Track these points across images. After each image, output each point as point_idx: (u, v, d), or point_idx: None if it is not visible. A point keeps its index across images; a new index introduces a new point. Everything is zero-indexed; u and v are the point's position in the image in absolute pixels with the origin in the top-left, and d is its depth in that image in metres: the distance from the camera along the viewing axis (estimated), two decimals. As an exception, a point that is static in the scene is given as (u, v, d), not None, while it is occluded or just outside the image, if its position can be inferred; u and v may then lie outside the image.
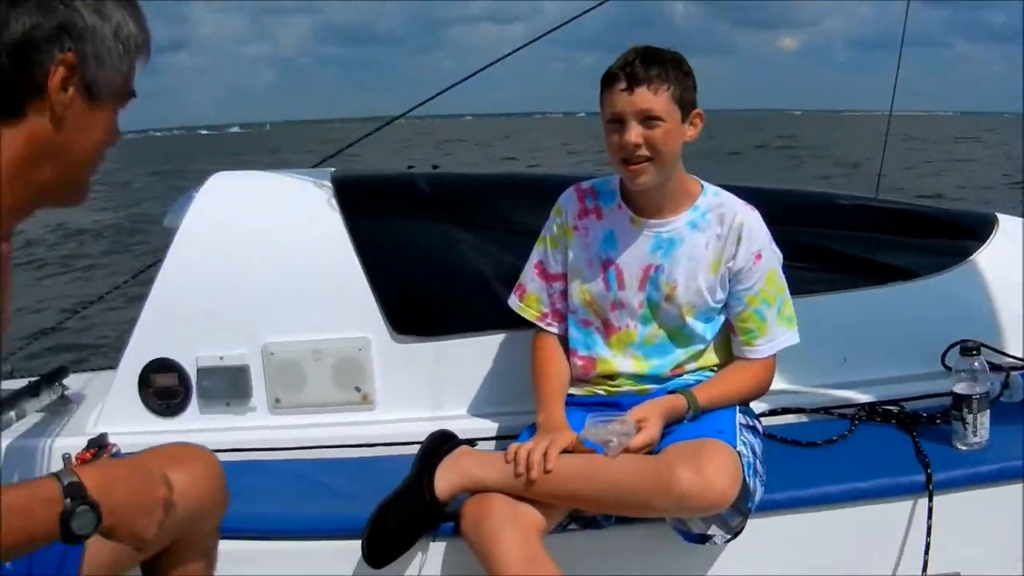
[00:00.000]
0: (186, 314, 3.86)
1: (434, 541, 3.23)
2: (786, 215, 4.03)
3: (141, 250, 17.99)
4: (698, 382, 3.41)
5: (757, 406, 3.60)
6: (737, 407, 3.35)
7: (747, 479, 3.03)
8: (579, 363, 3.53)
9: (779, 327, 3.45)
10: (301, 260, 3.98)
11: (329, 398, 3.92)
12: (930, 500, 3.27)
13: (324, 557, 3.24)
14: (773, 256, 3.43)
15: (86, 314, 6.60)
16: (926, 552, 3.25)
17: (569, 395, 3.50)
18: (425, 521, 3.16)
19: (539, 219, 3.63)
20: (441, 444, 3.27)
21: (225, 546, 2.73)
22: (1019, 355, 4.01)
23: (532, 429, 3.35)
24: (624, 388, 3.46)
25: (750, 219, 3.38)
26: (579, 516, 3.19)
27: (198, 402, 3.88)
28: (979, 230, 4.34)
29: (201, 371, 3.85)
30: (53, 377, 4.21)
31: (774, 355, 3.47)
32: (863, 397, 3.92)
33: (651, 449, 3.11)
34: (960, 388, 3.44)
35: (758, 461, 3.20)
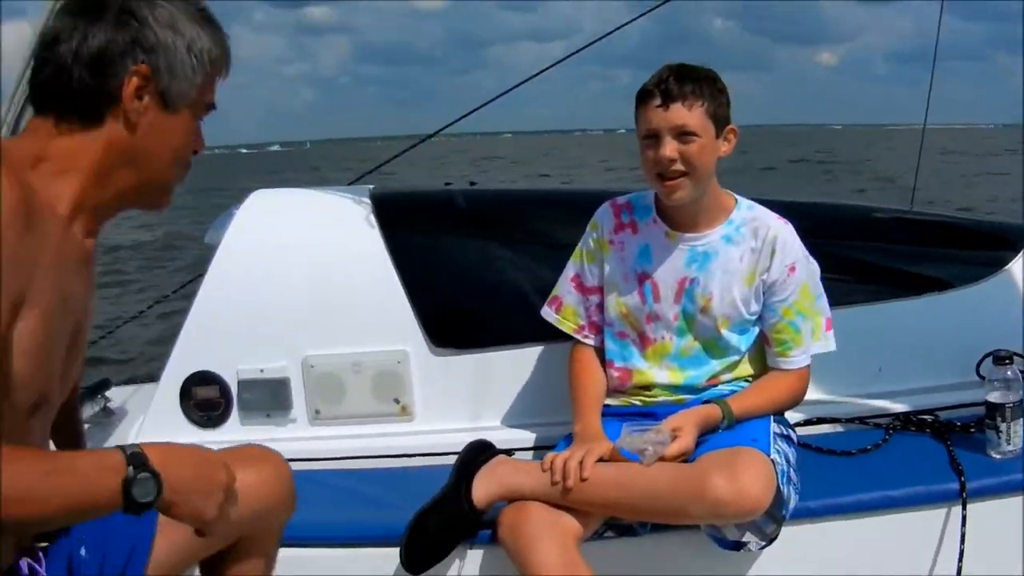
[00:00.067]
0: (227, 328, 3.92)
1: (472, 548, 3.26)
2: (821, 228, 4.04)
3: (173, 267, 18.09)
4: (733, 392, 3.44)
5: (793, 416, 3.63)
6: (771, 416, 3.38)
7: (781, 487, 3.06)
8: (615, 374, 3.56)
9: (813, 340, 3.49)
10: (341, 275, 4.03)
11: (368, 410, 3.96)
12: (964, 508, 3.28)
13: (364, 564, 3.28)
14: (807, 268, 3.46)
15: (114, 329, 6.68)
16: (960, 560, 3.25)
17: (605, 406, 3.53)
18: (463, 529, 3.20)
19: (575, 234, 3.67)
20: (479, 453, 3.31)
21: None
22: None
23: (569, 439, 3.38)
24: (660, 399, 3.49)
25: (784, 232, 3.41)
26: (615, 524, 3.23)
27: (239, 414, 3.93)
28: (1013, 241, 4.33)
29: (242, 383, 3.90)
30: (96, 390, 4.29)
31: (808, 365, 3.49)
32: (898, 407, 3.93)
33: (686, 458, 3.14)
34: (994, 397, 3.45)
35: (792, 469, 3.22)
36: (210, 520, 1.97)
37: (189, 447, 2.04)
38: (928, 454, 3.56)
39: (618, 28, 5.35)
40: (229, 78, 2.17)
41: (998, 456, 3.47)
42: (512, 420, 4.00)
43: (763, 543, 3.09)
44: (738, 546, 3.08)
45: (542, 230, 4.35)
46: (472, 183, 5.49)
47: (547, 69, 5.47)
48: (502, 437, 3.72)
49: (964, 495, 3.29)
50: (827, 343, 3.54)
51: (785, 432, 3.37)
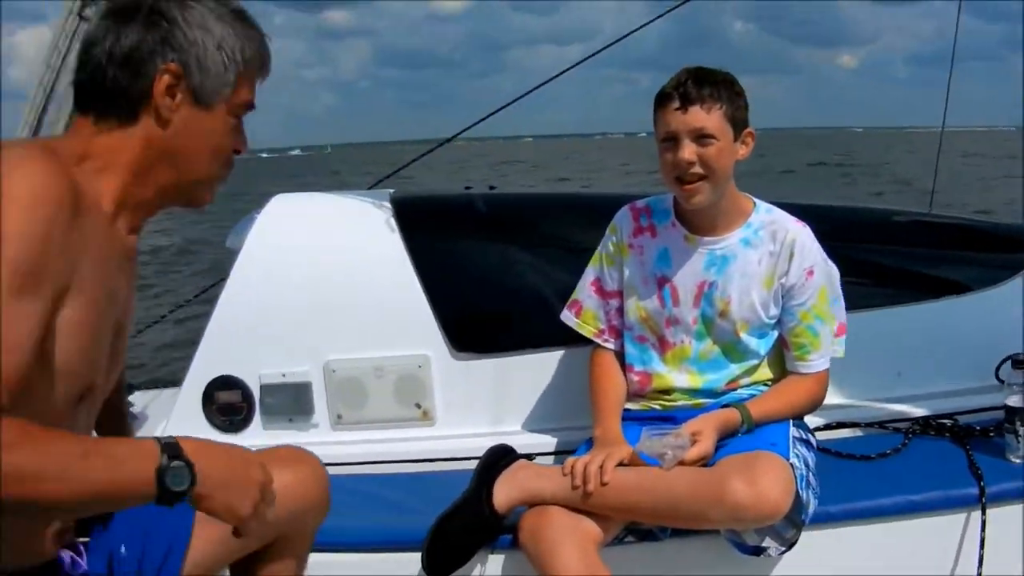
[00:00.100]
0: (249, 332, 3.94)
1: (493, 553, 3.28)
2: (839, 231, 4.05)
3: (190, 271, 18.12)
4: (752, 396, 3.44)
5: (813, 420, 3.63)
6: (791, 421, 3.38)
7: (800, 491, 3.06)
8: (635, 378, 3.57)
9: (832, 343, 3.49)
10: (362, 279, 4.05)
11: (390, 414, 3.98)
12: (983, 513, 3.28)
13: (385, 568, 3.30)
14: (825, 272, 3.46)
15: (136, 333, 6.72)
16: (979, 565, 3.25)
17: (625, 410, 3.54)
18: (484, 533, 3.22)
19: (595, 238, 3.68)
20: (500, 458, 3.33)
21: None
22: None
23: (589, 443, 3.40)
24: (679, 403, 3.51)
25: (802, 235, 3.42)
26: (636, 528, 3.24)
27: (261, 418, 3.95)
28: None
29: (264, 388, 3.92)
30: None
31: (827, 370, 3.50)
32: (917, 411, 3.93)
33: (705, 462, 3.15)
34: (1013, 401, 3.45)
35: (811, 474, 3.23)
36: (245, 517, 1.98)
37: (225, 444, 2.07)
38: (947, 458, 3.57)
39: (633, 31, 5.37)
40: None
41: (1017, 460, 3.48)
42: (533, 424, 4.02)
43: (783, 548, 3.10)
44: (758, 551, 3.09)
45: (562, 234, 4.37)
46: (492, 187, 5.51)
47: (564, 72, 5.50)
48: (523, 441, 3.75)
49: (983, 500, 3.30)
50: (836, 349, 3.54)
51: (804, 436, 3.38)
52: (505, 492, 3.21)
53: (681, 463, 3.10)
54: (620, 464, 3.14)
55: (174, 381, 4.30)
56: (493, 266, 4.24)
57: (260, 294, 3.97)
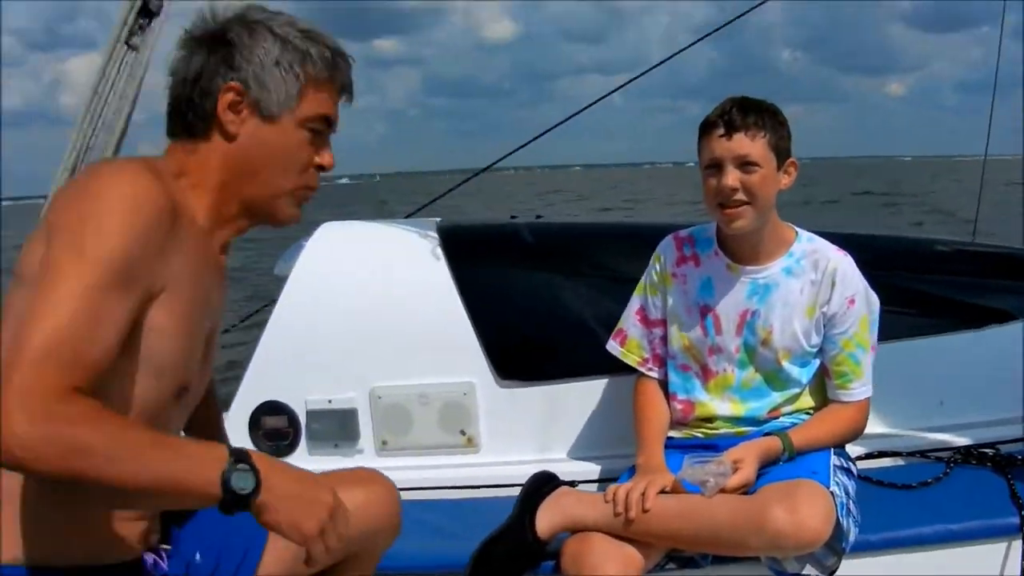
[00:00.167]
0: (296, 358, 3.98)
1: (535, 579, 3.28)
2: (882, 260, 4.05)
3: (234, 297, 18.24)
4: (793, 425, 3.45)
5: (854, 449, 3.63)
6: (832, 449, 3.39)
7: (841, 519, 3.07)
8: (678, 407, 3.59)
9: (872, 371, 3.49)
10: (408, 307, 4.08)
11: (435, 441, 4.01)
12: None
13: None
14: (867, 301, 3.47)
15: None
16: None
17: (669, 438, 3.56)
18: (527, 559, 3.23)
19: (638, 267, 3.70)
20: (543, 484, 3.35)
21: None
22: None
23: (632, 471, 3.41)
24: (721, 431, 3.52)
25: (843, 264, 3.43)
26: (677, 555, 3.25)
27: (307, 444, 3.98)
28: None
29: (310, 414, 3.96)
30: None
31: (868, 398, 3.50)
32: (959, 440, 3.92)
33: (747, 489, 3.16)
34: (1055, 431, 3.45)
35: (852, 502, 3.22)
36: (309, 535, 2.00)
37: (296, 466, 2.10)
38: (989, 488, 3.56)
39: (666, 60, 5.42)
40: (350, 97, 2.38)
41: (1059, 490, 3.46)
42: (577, 452, 4.03)
43: None
44: (798, 579, 3.09)
45: (607, 263, 4.39)
46: (538, 216, 5.54)
47: (598, 101, 5.55)
48: (566, 469, 3.76)
49: None
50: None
51: (845, 465, 3.38)
52: (548, 518, 3.23)
53: (723, 491, 3.12)
54: (662, 492, 3.16)
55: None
56: (538, 294, 4.27)
57: (307, 321, 4.01)
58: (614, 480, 3.43)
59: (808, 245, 3.47)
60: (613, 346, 3.72)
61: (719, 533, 3.06)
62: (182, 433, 2.49)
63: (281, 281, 4.10)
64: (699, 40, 5.48)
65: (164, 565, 2.36)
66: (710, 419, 3.54)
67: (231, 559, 2.49)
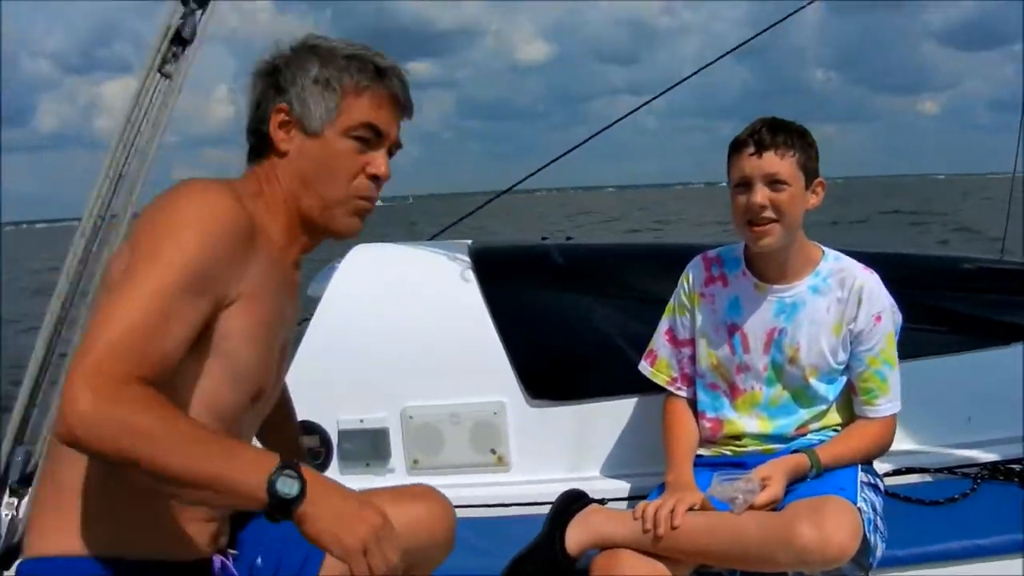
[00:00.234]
0: (328, 379, 4.01)
1: (565, 595, 3.30)
2: (910, 279, 4.07)
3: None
4: (821, 442, 3.47)
5: (882, 466, 3.64)
6: (859, 466, 3.40)
7: (868, 535, 3.08)
8: (707, 425, 3.62)
9: (898, 388, 3.50)
10: (439, 328, 4.12)
11: (466, 460, 4.04)
12: None
13: None
14: (893, 318, 3.49)
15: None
16: None
17: (697, 456, 3.58)
18: (556, 576, 3.27)
19: (667, 287, 3.73)
20: (572, 502, 3.37)
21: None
22: None
23: (662, 488, 3.43)
24: (750, 448, 3.54)
25: (870, 282, 3.45)
26: (705, 572, 3.27)
27: (339, 463, 4.01)
28: None
29: (342, 433, 3.99)
30: None
31: (895, 414, 3.51)
32: (986, 456, 3.92)
33: (775, 506, 3.18)
34: (1083, 447, 3.46)
35: (879, 518, 3.23)
36: (350, 549, 2.03)
37: (345, 486, 2.15)
38: (1016, 504, 3.56)
39: (682, 80, 5.45)
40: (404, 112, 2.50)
41: (1086, 506, 3.47)
42: (606, 470, 4.06)
43: None
44: (825, 594, 3.11)
45: (636, 284, 4.43)
46: (568, 238, 5.58)
47: (618, 121, 5.57)
48: (597, 487, 3.79)
49: None
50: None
51: (872, 481, 3.39)
52: (577, 535, 3.26)
53: (751, 507, 3.14)
54: (691, 509, 3.18)
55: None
56: (567, 315, 4.31)
57: (340, 341, 4.05)
58: (643, 498, 3.44)
59: (835, 264, 3.50)
60: (644, 366, 3.76)
61: (747, 549, 3.08)
62: (257, 443, 2.67)
63: (314, 302, 4.13)
64: (723, 56, 5.51)
65: (231, 568, 2.43)
66: (738, 437, 3.56)
67: (290, 566, 2.55)
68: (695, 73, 5.53)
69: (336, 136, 2.39)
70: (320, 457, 3.98)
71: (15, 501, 2.62)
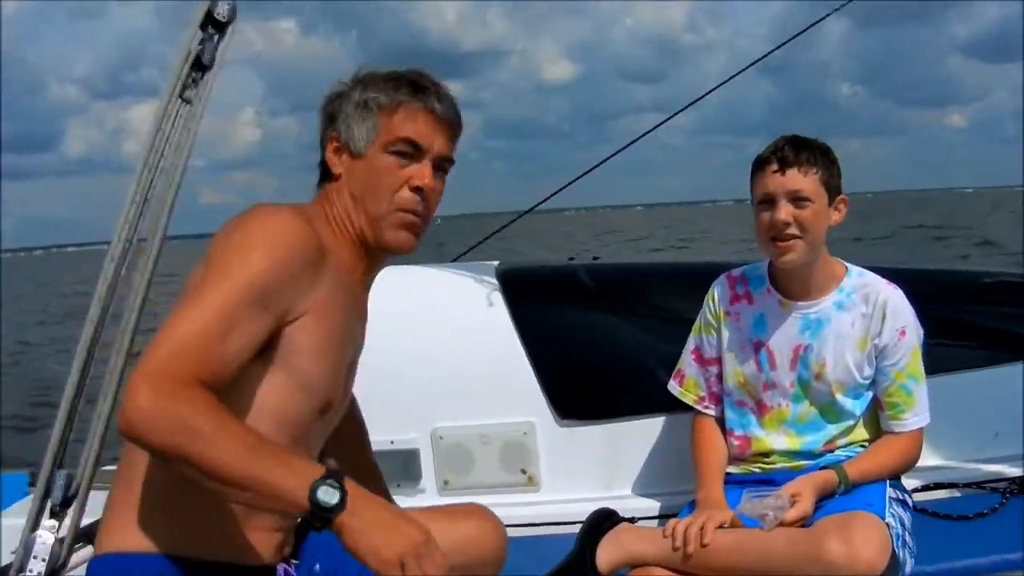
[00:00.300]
0: (358, 400, 4.05)
1: (596, 614, 3.30)
2: (935, 294, 4.08)
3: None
4: (848, 457, 3.47)
5: (910, 481, 3.64)
6: (888, 481, 3.41)
7: (896, 550, 3.08)
8: (735, 443, 3.63)
9: (926, 401, 3.51)
10: (468, 349, 4.15)
11: (496, 480, 4.07)
12: None
13: None
14: (918, 333, 3.50)
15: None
16: None
17: (727, 474, 3.60)
18: (588, 594, 3.27)
19: (693, 306, 3.75)
20: (603, 521, 3.40)
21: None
22: None
23: (692, 506, 3.45)
24: (778, 465, 3.55)
25: (894, 297, 3.47)
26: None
27: None
28: None
29: (373, 454, 4.03)
30: None
31: (921, 429, 3.52)
32: (1014, 471, 3.91)
33: (804, 522, 3.19)
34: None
35: (907, 533, 3.24)
36: (386, 562, 2.06)
37: (388, 502, 2.24)
38: None
39: (697, 99, 5.46)
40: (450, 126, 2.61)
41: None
42: (636, 489, 4.08)
43: None
44: (855, 610, 3.11)
45: (662, 303, 4.45)
46: (595, 257, 5.60)
47: (640, 137, 5.58)
48: (627, 505, 3.81)
49: None
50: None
51: (901, 496, 3.40)
52: (608, 554, 3.28)
53: (781, 524, 3.15)
54: (720, 526, 3.20)
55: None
56: (595, 335, 4.33)
57: (369, 363, 4.06)
58: (674, 516, 3.45)
59: (858, 279, 3.52)
60: (673, 386, 3.78)
61: (776, 566, 3.09)
62: (335, 463, 2.79)
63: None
64: (746, 68, 5.50)
65: (294, 573, 2.52)
66: (767, 454, 3.58)
67: (349, 569, 2.58)
68: (717, 87, 5.54)
69: (378, 153, 2.52)
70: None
71: (56, 524, 2.65)
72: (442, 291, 4.41)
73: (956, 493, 3.91)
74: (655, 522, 3.85)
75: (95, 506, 2.79)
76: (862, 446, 3.54)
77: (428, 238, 2.77)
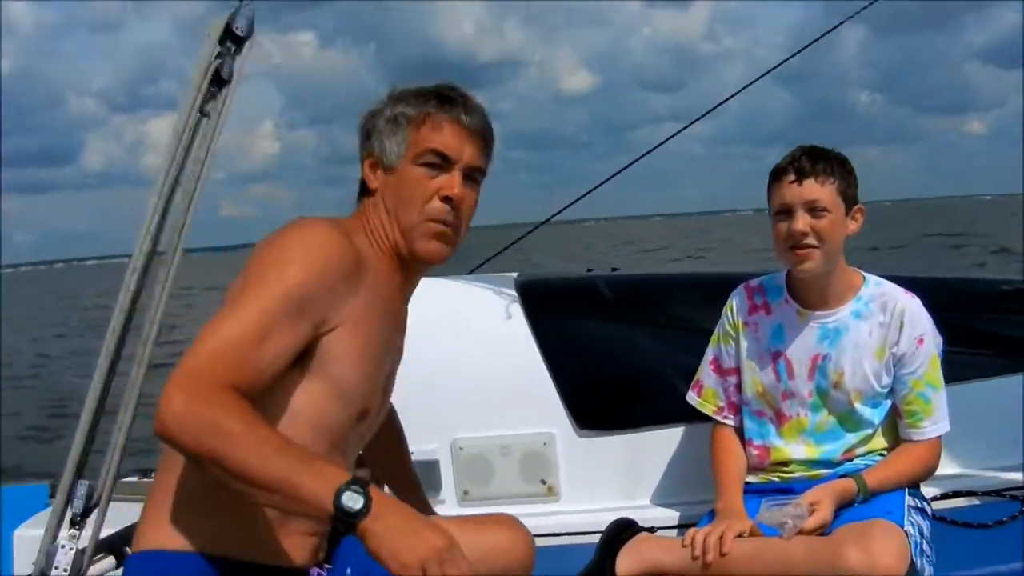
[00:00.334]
0: None
1: (616, 623, 3.31)
2: (952, 302, 4.08)
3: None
4: (867, 466, 3.48)
5: (929, 490, 3.64)
6: (907, 489, 3.41)
7: (915, 559, 3.09)
8: (754, 452, 3.64)
9: (945, 409, 3.51)
10: (488, 360, 4.17)
11: (516, 490, 4.08)
12: None
13: None
14: (935, 341, 3.51)
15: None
16: None
17: (745, 483, 3.61)
18: (607, 604, 3.28)
19: (712, 316, 3.77)
20: (622, 531, 3.41)
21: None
22: None
23: (711, 516, 3.46)
24: (797, 474, 3.56)
25: (911, 306, 3.48)
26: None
27: (390, 495, 4.04)
28: None
29: None
30: None
31: (940, 437, 3.52)
32: None
33: (823, 530, 3.19)
34: None
35: (926, 542, 3.25)
36: (407, 565, 2.09)
37: (414, 509, 2.24)
38: None
39: (723, 101, 5.47)
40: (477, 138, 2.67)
41: None
42: (656, 499, 4.09)
43: None
44: (874, 617, 3.11)
45: (681, 313, 4.46)
46: (614, 269, 5.61)
47: (659, 145, 5.59)
48: (646, 515, 3.81)
49: None
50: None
51: (920, 505, 3.40)
52: (627, 564, 3.29)
53: (800, 532, 3.16)
54: (740, 535, 3.21)
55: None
56: (614, 346, 4.34)
57: None
58: (693, 526, 3.46)
59: (876, 288, 3.53)
60: (691, 396, 3.79)
61: (795, 574, 3.09)
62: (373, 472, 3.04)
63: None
64: (762, 76, 5.50)
65: None
66: (785, 463, 3.58)
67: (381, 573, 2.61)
68: (733, 96, 5.53)
69: (408, 166, 2.59)
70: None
71: (77, 534, 2.68)
72: (462, 303, 4.42)
73: (975, 501, 3.90)
74: (675, 532, 3.86)
75: (115, 517, 2.82)
76: (881, 455, 3.54)
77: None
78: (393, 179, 2.61)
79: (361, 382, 2.50)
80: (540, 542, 3.78)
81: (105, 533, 2.81)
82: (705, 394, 3.75)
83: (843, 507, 3.32)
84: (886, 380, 3.49)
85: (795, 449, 3.57)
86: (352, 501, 2.08)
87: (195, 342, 2.24)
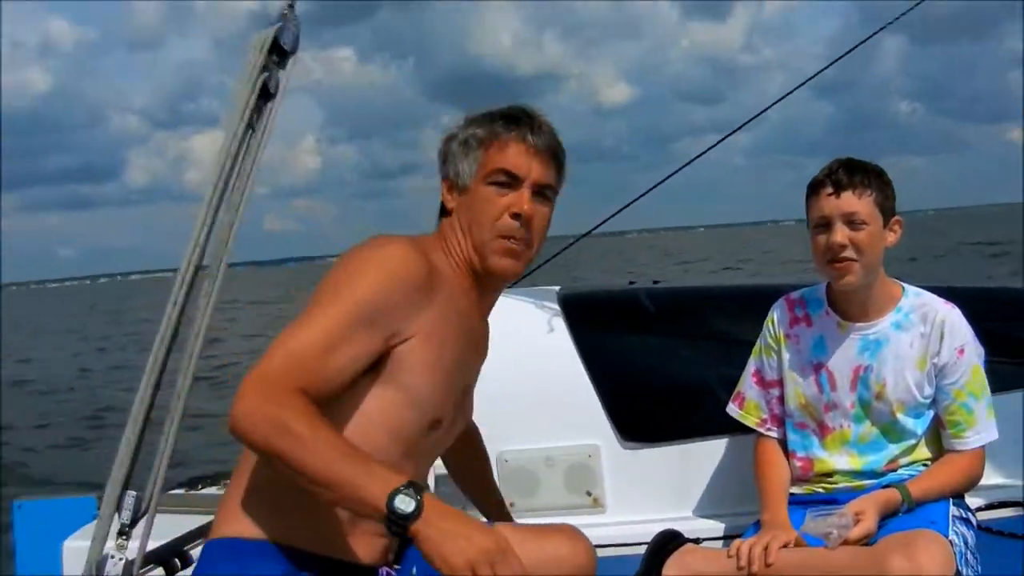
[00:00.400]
0: None
1: (662, 634, 3.32)
2: (993, 312, 4.08)
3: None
4: (911, 476, 3.48)
5: (974, 500, 3.64)
6: (951, 500, 3.41)
7: (959, 568, 3.09)
8: (798, 464, 3.64)
9: (988, 419, 3.50)
10: (532, 373, 4.18)
11: (561, 502, 4.09)
12: None
13: None
14: (977, 351, 3.51)
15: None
16: None
17: (790, 495, 3.61)
18: (653, 615, 3.29)
19: (753, 328, 3.78)
20: (668, 542, 3.42)
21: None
22: None
23: (756, 527, 3.48)
24: (841, 485, 3.56)
25: (952, 316, 3.48)
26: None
27: None
28: None
29: (439, 478, 4.03)
30: None
31: (984, 446, 3.52)
32: None
33: (868, 541, 3.19)
34: None
35: (970, 552, 3.25)
36: (455, 568, 2.15)
37: (467, 515, 2.34)
38: None
39: (761, 112, 5.46)
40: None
41: None
42: (701, 510, 4.09)
43: None
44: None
45: (722, 325, 4.48)
46: (656, 281, 5.62)
47: (697, 157, 5.59)
48: (692, 526, 3.82)
49: None
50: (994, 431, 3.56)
51: (964, 515, 3.40)
52: (673, 575, 3.29)
53: (845, 542, 3.17)
54: (784, 546, 3.22)
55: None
56: (657, 358, 4.36)
57: None
58: (738, 537, 3.47)
59: (916, 299, 3.54)
60: (732, 409, 3.80)
61: None
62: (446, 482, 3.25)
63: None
64: (800, 86, 5.51)
65: None
66: (829, 474, 3.59)
67: None
68: (772, 105, 5.54)
69: (479, 185, 2.73)
70: None
71: (125, 543, 2.70)
72: (505, 317, 4.41)
73: (1020, 512, 3.88)
74: (720, 543, 3.87)
75: (163, 530, 2.84)
76: (924, 465, 3.54)
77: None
78: (466, 199, 2.74)
79: (433, 392, 2.61)
80: (587, 554, 3.80)
81: (152, 545, 2.84)
82: (747, 406, 3.76)
83: (887, 517, 3.32)
84: (928, 390, 3.49)
85: (839, 460, 3.57)
86: (404, 504, 2.16)
87: (270, 347, 2.40)
